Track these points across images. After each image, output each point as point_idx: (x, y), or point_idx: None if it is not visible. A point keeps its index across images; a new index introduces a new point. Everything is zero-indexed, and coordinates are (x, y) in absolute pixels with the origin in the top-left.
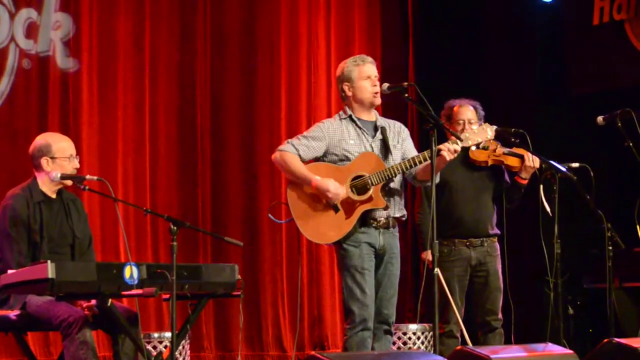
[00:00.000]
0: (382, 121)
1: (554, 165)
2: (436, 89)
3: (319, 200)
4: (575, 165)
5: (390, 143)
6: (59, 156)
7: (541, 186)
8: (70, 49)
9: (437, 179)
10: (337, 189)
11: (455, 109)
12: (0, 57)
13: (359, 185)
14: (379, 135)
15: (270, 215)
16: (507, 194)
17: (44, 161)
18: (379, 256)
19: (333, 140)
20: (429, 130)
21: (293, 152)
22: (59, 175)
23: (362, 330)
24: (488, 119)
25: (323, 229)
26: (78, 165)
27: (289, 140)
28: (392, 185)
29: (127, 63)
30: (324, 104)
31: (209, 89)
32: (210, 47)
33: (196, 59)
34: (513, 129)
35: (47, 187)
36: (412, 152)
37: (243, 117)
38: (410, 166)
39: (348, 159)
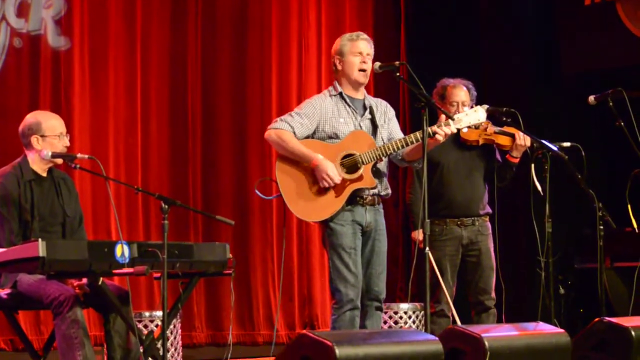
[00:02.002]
0: (369, 100)
1: (546, 145)
2: (428, 67)
3: (309, 177)
4: (567, 144)
5: (378, 122)
6: (49, 134)
7: (532, 165)
8: (61, 27)
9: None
10: (335, 175)
11: (449, 89)
12: None
13: (349, 164)
14: (367, 114)
15: (257, 190)
16: (499, 173)
17: (33, 139)
18: (366, 233)
19: (324, 118)
20: (421, 109)
21: (288, 130)
22: (50, 153)
23: (351, 310)
24: (480, 98)
25: (312, 207)
26: (68, 144)
27: (281, 117)
28: (378, 164)
29: (118, 41)
30: (315, 84)
31: (200, 68)
32: (201, 27)
33: (187, 38)
34: (504, 108)
35: (38, 165)
36: (398, 132)
37: (234, 97)
38: (402, 146)
39: (337, 137)
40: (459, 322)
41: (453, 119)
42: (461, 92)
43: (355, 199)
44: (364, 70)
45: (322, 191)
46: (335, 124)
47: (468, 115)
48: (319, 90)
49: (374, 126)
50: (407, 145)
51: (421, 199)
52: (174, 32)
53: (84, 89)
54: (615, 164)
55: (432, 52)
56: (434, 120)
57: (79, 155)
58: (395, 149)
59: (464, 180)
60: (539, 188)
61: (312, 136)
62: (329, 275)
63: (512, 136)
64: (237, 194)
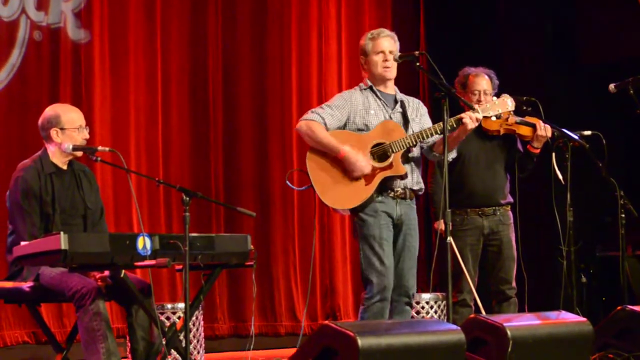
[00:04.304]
0: (401, 95)
1: (566, 133)
2: (447, 57)
3: (339, 167)
4: (588, 133)
5: (410, 117)
6: (68, 127)
7: (553, 154)
8: (81, 20)
9: (454, 154)
10: (365, 165)
11: (470, 78)
12: (11, 29)
13: (379, 152)
14: (398, 107)
15: (287, 181)
16: (520, 163)
17: (53, 132)
18: (397, 227)
19: (355, 110)
20: (441, 99)
21: (319, 121)
22: (71, 146)
23: (381, 301)
24: (500, 87)
25: (342, 195)
26: (88, 136)
27: (313, 109)
28: (410, 155)
29: (138, 34)
30: (335, 74)
31: (220, 59)
32: (221, 18)
33: (207, 29)
34: (525, 97)
35: (58, 158)
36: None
37: (254, 87)
38: (431, 134)
39: (368, 129)
40: (482, 310)
41: (473, 109)
42: (483, 80)
43: (385, 190)
44: (386, 67)
45: (352, 180)
46: (365, 115)
47: (495, 104)
48: (339, 80)
49: (405, 119)
50: (435, 133)
51: (443, 189)
52: (194, 24)
53: (104, 82)
54: (637, 152)
55: (451, 42)
56: (454, 110)
57: (100, 148)
58: (424, 137)
59: (485, 170)
60: (560, 177)
61: (343, 128)
62: (361, 266)
63: (533, 126)
64: (259, 185)
